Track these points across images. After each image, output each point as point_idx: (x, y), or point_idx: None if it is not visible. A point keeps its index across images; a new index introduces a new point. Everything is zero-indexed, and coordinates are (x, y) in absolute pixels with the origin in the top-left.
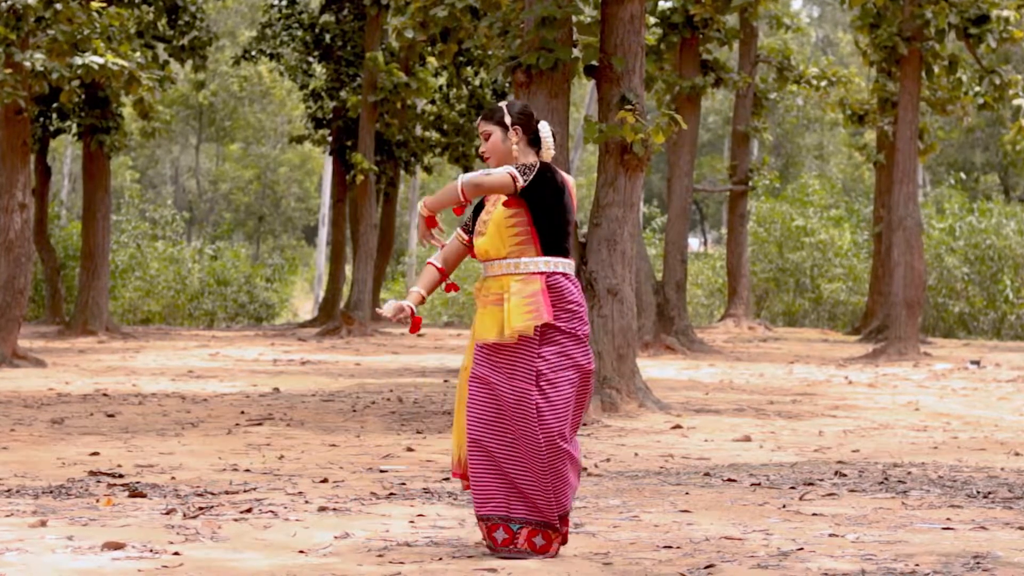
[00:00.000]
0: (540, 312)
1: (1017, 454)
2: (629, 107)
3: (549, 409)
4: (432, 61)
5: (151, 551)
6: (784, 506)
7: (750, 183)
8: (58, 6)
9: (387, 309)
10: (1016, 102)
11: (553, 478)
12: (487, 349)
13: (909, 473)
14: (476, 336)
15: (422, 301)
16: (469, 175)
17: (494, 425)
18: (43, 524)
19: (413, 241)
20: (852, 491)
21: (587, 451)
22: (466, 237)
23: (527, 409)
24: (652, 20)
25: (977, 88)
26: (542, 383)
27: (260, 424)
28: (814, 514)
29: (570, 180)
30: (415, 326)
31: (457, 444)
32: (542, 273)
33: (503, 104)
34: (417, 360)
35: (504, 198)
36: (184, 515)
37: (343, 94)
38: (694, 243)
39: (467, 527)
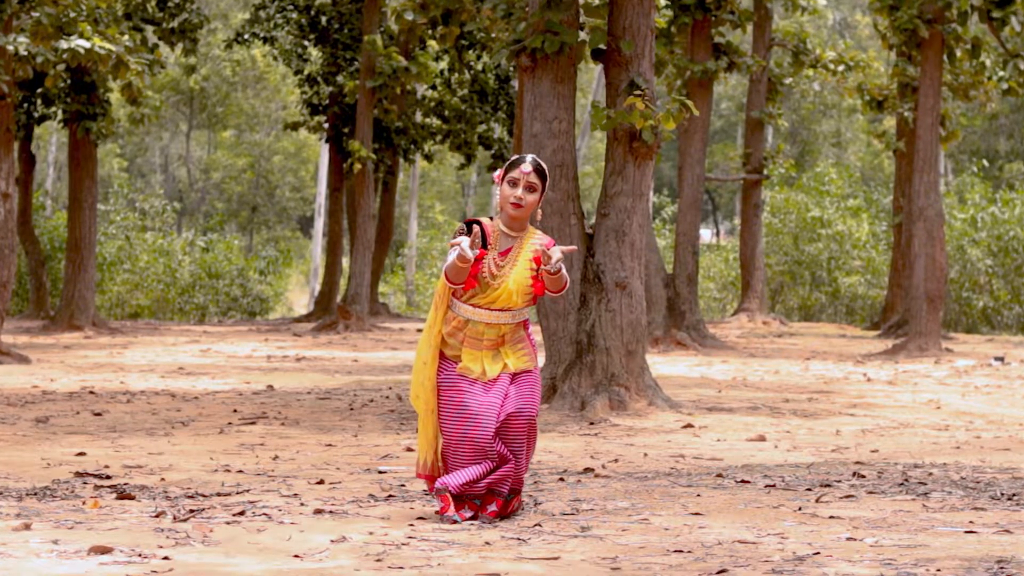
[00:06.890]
0: (534, 355)
1: None
2: (638, 92)
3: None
4: (433, 45)
5: (140, 555)
6: (800, 508)
7: (764, 172)
8: None
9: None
10: None
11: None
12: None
13: (930, 474)
14: (480, 374)
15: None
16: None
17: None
18: (27, 527)
19: (413, 232)
20: (871, 493)
21: (594, 451)
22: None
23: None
24: (663, 1)
25: (1001, 73)
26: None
27: (253, 423)
28: (831, 517)
29: None
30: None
31: (425, 448)
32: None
33: (542, 163)
34: None
35: (531, 264)
36: (174, 518)
37: (340, 79)
38: (706, 234)
39: (469, 529)
